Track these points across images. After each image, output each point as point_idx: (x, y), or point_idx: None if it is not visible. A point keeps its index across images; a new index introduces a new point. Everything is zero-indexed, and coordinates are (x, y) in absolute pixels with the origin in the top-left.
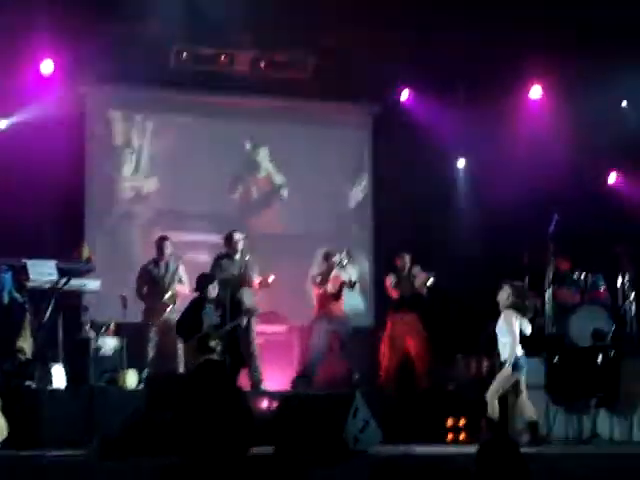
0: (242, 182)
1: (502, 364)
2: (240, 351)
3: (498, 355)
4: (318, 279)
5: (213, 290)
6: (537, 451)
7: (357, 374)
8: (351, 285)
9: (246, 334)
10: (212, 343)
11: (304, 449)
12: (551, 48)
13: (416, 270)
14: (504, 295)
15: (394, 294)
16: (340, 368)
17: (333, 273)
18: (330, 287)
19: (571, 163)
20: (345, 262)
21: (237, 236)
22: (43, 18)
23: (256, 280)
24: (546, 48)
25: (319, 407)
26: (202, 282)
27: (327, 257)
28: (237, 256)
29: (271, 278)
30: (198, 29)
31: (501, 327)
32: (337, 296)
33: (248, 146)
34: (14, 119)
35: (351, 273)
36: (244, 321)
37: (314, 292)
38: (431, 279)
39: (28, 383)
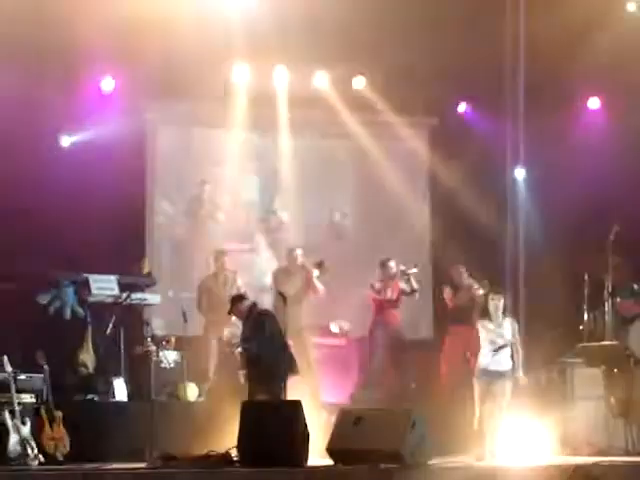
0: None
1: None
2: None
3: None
4: (376, 286)
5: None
6: (597, 462)
7: (414, 384)
8: (412, 293)
9: (303, 349)
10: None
11: (362, 462)
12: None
13: (471, 281)
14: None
15: (451, 304)
16: (397, 378)
17: (393, 280)
18: (389, 293)
19: (631, 173)
20: (410, 271)
21: (297, 251)
22: (103, 36)
23: (314, 272)
24: (604, 59)
25: (377, 421)
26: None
27: (383, 265)
28: (294, 271)
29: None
30: (254, 45)
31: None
32: (395, 304)
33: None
34: (77, 137)
35: (414, 285)
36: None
37: (372, 299)
38: (483, 288)
39: (90, 396)
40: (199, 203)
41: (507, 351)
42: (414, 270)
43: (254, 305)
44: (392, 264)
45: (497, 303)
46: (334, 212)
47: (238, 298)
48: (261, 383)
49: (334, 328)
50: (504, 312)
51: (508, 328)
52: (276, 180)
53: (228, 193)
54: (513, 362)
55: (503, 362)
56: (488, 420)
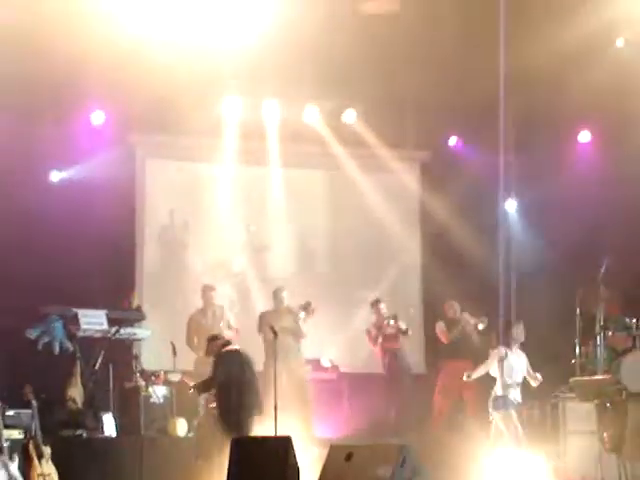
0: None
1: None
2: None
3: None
4: (373, 332)
5: None
6: None
7: (409, 415)
8: (404, 333)
9: (298, 384)
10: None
11: None
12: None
13: (466, 316)
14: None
15: (444, 339)
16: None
17: (384, 323)
18: (386, 331)
19: (621, 206)
20: (392, 322)
21: (284, 293)
22: (93, 70)
23: (301, 316)
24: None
25: (367, 456)
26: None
27: (375, 304)
28: (283, 310)
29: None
30: (245, 78)
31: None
32: (394, 337)
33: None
34: (67, 171)
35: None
36: None
37: (373, 345)
38: (482, 323)
39: (79, 432)
40: (187, 236)
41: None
42: (483, 324)
43: (224, 344)
44: (382, 306)
45: (518, 331)
46: (333, 241)
47: (211, 337)
48: (221, 420)
49: (325, 362)
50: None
51: (523, 357)
52: (265, 212)
53: (218, 226)
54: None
55: (519, 394)
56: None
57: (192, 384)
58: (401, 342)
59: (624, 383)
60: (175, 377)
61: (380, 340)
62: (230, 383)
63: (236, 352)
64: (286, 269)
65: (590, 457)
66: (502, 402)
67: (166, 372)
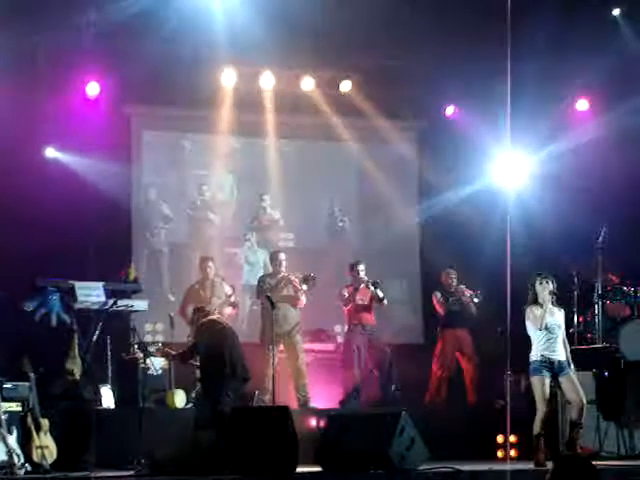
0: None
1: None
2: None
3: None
4: (345, 296)
5: None
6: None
7: (394, 386)
8: (380, 301)
9: (293, 352)
10: (68, 364)
11: (351, 468)
12: (596, 60)
13: (462, 288)
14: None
15: (441, 310)
16: (380, 383)
17: (361, 286)
18: (359, 299)
19: (620, 175)
20: (371, 287)
21: (282, 256)
22: (88, 41)
23: (303, 288)
24: (591, 61)
25: (365, 426)
26: None
27: (352, 267)
28: (280, 275)
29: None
30: (241, 49)
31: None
32: (368, 307)
33: (292, 164)
34: (63, 143)
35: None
36: None
37: (343, 308)
38: (477, 298)
39: (77, 405)
40: (195, 206)
41: (560, 342)
42: (478, 298)
43: (206, 314)
44: (361, 267)
45: (545, 287)
46: (333, 212)
47: (198, 308)
48: (206, 389)
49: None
50: (553, 300)
51: (560, 315)
52: (264, 181)
53: (220, 195)
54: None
55: (559, 351)
56: (547, 421)
57: (173, 353)
58: (375, 318)
59: (623, 352)
60: (152, 347)
61: (348, 296)
62: (212, 353)
63: (216, 321)
64: (284, 241)
65: (589, 426)
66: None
67: (164, 344)
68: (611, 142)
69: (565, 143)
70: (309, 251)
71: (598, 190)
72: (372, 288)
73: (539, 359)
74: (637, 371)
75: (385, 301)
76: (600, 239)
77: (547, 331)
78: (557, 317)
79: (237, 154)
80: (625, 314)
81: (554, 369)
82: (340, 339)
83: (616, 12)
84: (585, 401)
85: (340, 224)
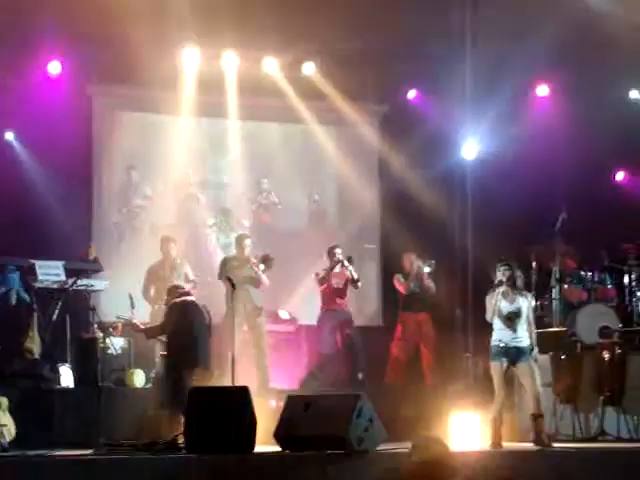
0: (254, 182)
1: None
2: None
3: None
4: (320, 275)
5: None
6: (543, 449)
7: (361, 374)
8: (355, 282)
9: (257, 333)
10: (27, 343)
11: (310, 448)
12: (557, 45)
13: (422, 271)
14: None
15: (402, 289)
16: (346, 366)
17: (337, 269)
18: (334, 282)
19: (578, 160)
20: (347, 264)
21: (247, 241)
22: (51, 19)
23: (260, 267)
24: (552, 45)
25: (324, 407)
26: None
27: (330, 252)
28: (244, 259)
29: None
30: (205, 30)
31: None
32: (342, 292)
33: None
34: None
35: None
36: None
37: (318, 289)
38: (429, 267)
39: (36, 383)
40: (180, 185)
41: (523, 325)
42: (430, 267)
43: (181, 294)
44: (338, 251)
45: (505, 273)
46: (309, 195)
47: (172, 287)
48: (169, 368)
49: (283, 314)
50: (515, 286)
51: (523, 302)
52: (224, 164)
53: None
54: (530, 337)
55: (519, 337)
56: (505, 406)
57: (142, 327)
58: (347, 301)
59: (579, 336)
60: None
61: (323, 276)
62: (179, 333)
63: (191, 303)
64: (245, 222)
65: (545, 409)
66: (500, 351)
67: (124, 324)
68: (570, 127)
69: (525, 127)
70: (287, 233)
71: (556, 175)
72: (346, 264)
73: (497, 344)
74: (593, 354)
75: (359, 283)
76: (558, 224)
77: (506, 318)
78: (520, 303)
79: (204, 136)
80: (582, 298)
81: (511, 355)
82: (300, 321)
83: None
84: (540, 390)
85: (297, 207)
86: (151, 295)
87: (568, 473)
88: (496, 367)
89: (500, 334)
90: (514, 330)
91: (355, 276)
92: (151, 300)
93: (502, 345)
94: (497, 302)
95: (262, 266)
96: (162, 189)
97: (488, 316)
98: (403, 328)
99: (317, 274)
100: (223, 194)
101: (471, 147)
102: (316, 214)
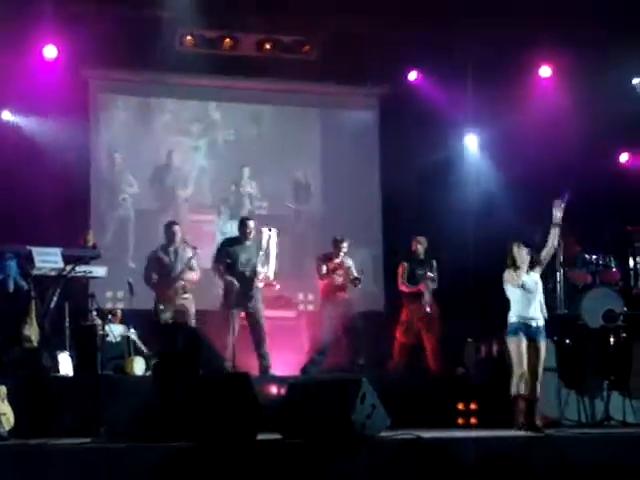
0: (249, 166)
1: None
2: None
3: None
4: (323, 270)
5: None
6: (549, 434)
7: (362, 359)
8: (356, 282)
9: (254, 319)
10: (25, 331)
11: (312, 435)
12: (561, 27)
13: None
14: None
15: (403, 288)
16: (347, 352)
17: (345, 263)
18: (337, 278)
19: (582, 142)
20: (350, 263)
21: (251, 223)
22: (46, 3)
23: (261, 277)
24: (556, 27)
25: (326, 393)
26: None
27: (335, 243)
28: (248, 243)
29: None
30: (202, 12)
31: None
32: (343, 287)
33: (254, 129)
34: (19, 107)
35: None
36: None
37: (319, 281)
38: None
39: (35, 371)
40: (165, 173)
41: (538, 304)
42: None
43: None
44: (344, 245)
45: (523, 249)
46: (300, 179)
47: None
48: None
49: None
50: (532, 264)
51: (537, 277)
52: (237, 148)
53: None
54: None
55: (536, 315)
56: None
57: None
58: (346, 295)
59: (584, 319)
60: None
61: (324, 271)
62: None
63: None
64: (258, 209)
65: (549, 394)
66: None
67: (123, 311)
68: (573, 109)
69: (527, 109)
70: (279, 218)
71: (560, 157)
72: (350, 263)
73: (517, 320)
74: (598, 338)
75: (359, 284)
76: (562, 206)
77: (526, 291)
78: (534, 279)
79: (203, 119)
80: (587, 282)
81: (531, 333)
82: (302, 307)
83: None
84: (541, 377)
85: (307, 191)
86: (153, 281)
87: (573, 458)
88: (515, 343)
89: (519, 308)
90: (533, 305)
91: (356, 274)
92: (153, 286)
93: (522, 320)
94: (522, 273)
95: (261, 253)
96: (150, 174)
97: (514, 284)
98: (409, 313)
99: (319, 270)
100: (208, 180)
101: (473, 130)
102: (316, 198)
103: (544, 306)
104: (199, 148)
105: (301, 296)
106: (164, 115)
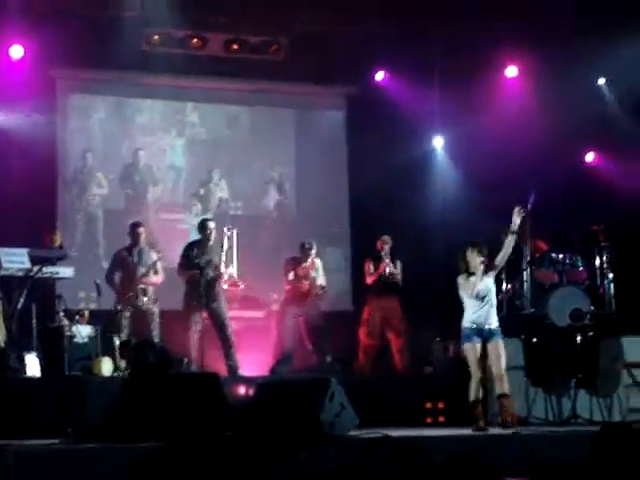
0: (222, 166)
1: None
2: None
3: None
4: (291, 276)
5: None
6: (515, 432)
7: (329, 358)
8: (320, 294)
9: (219, 319)
10: None
11: (280, 435)
12: (527, 27)
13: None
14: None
15: (369, 281)
16: (314, 352)
17: (311, 273)
18: (304, 284)
19: (548, 142)
20: (318, 272)
21: (211, 224)
22: (11, 2)
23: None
24: (522, 27)
25: (295, 392)
26: None
27: (304, 250)
28: (209, 244)
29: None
30: (169, 11)
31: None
32: (308, 294)
33: (223, 130)
34: None
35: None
36: None
37: (285, 284)
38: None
39: (2, 373)
40: (134, 171)
41: (491, 308)
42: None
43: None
44: (313, 251)
45: (477, 255)
46: (273, 179)
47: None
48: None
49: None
50: (486, 269)
51: (490, 283)
52: (210, 148)
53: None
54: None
55: (490, 318)
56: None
57: None
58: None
59: (551, 318)
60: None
61: (291, 277)
62: None
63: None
64: (234, 209)
65: (517, 392)
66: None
67: (91, 311)
68: (539, 109)
69: (494, 109)
70: (254, 218)
71: (526, 157)
72: (317, 273)
73: (469, 326)
74: (565, 337)
75: (324, 291)
76: (528, 206)
77: (478, 299)
78: (488, 284)
79: (176, 119)
80: (554, 281)
81: (484, 335)
82: (276, 307)
83: None
84: (504, 372)
85: (281, 190)
86: (116, 281)
87: (540, 456)
88: (470, 348)
89: (472, 315)
90: (486, 310)
91: (321, 283)
92: (115, 286)
93: (475, 326)
94: (476, 281)
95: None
96: (120, 173)
97: (468, 294)
98: (371, 312)
99: (287, 271)
100: (180, 179)
101: (440, 130)
102: (280, 200)
103: (495, 311)
104: (173, 147)
105: (275, 296)
106: (135, 115)
